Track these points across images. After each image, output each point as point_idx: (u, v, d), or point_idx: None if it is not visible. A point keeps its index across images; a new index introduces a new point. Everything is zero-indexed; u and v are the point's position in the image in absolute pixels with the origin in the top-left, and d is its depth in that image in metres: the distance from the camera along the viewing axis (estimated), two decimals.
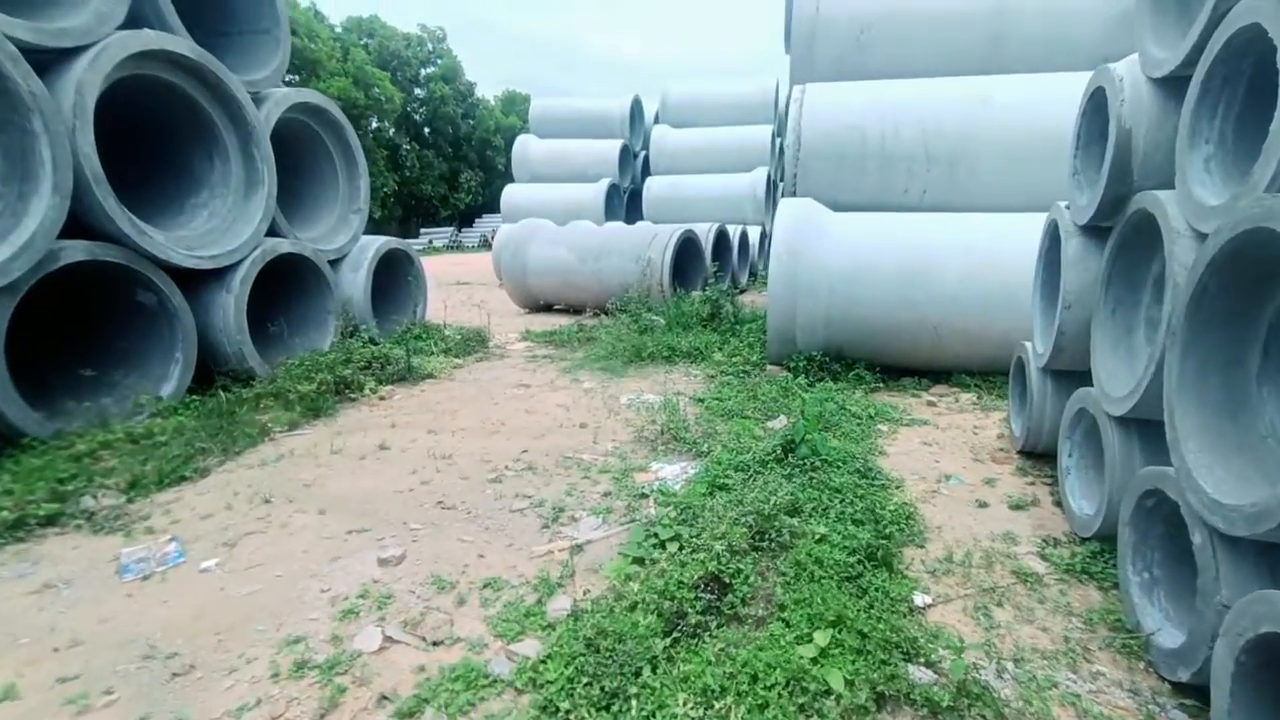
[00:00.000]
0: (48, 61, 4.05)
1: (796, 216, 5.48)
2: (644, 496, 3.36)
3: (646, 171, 20.34)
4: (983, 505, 3.27)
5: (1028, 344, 3.83)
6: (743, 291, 13.71)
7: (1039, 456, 3.79)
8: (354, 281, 6.88)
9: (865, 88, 6.03)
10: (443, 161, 50.78)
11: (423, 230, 47.73)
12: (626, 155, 18.28)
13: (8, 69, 3.54)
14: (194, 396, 4.94)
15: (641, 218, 19.71)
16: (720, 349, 6.76)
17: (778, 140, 18.01)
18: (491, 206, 34.64)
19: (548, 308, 11.01)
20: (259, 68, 5.84)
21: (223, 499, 3.45)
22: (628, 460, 3.92)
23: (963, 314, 5.09)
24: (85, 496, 3.35)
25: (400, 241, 7.56)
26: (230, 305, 5.22)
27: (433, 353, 6.94)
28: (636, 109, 19.00)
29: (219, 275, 5.28)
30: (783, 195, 6.55)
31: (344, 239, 7.02)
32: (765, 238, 16.77)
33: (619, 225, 12.16)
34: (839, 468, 3.42)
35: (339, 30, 43.83)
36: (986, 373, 5.35)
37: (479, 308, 9.03)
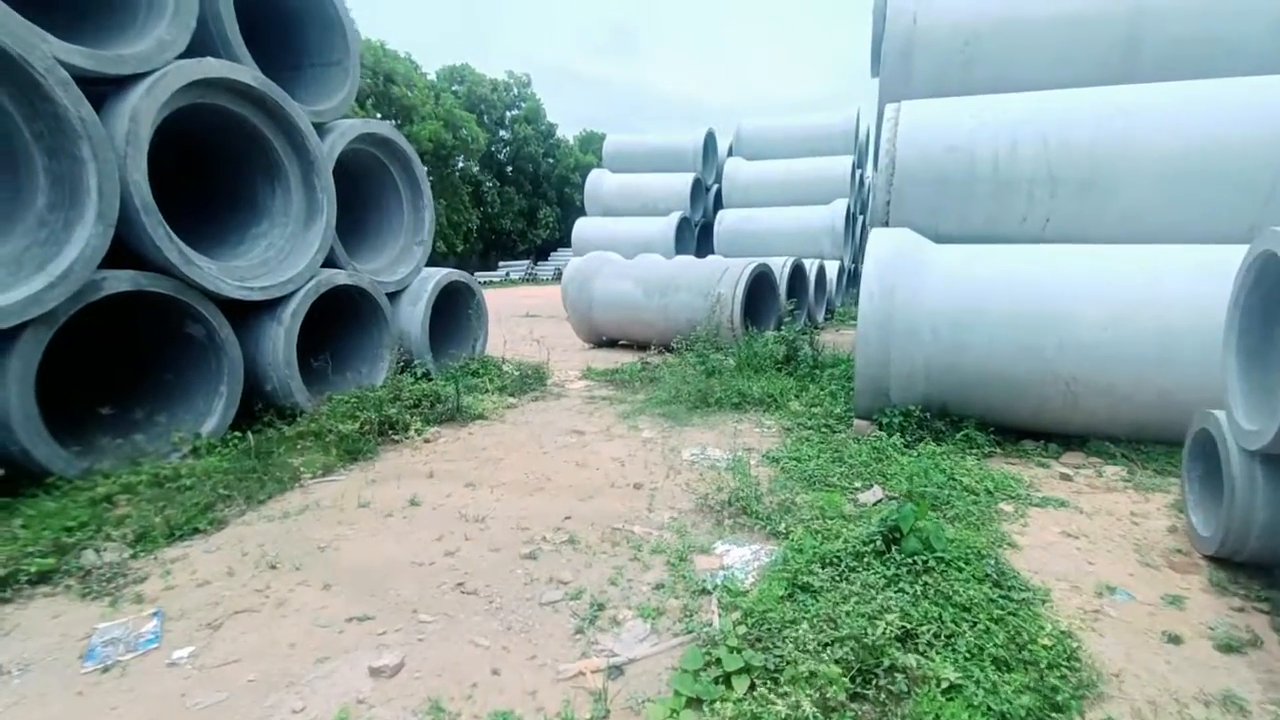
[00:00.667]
0: (106, 89, 4.01)
1: (892, 249, 4.73)
2: (705, 593, 2.69)
3: (718, 205, 19.93)
4: (1174, 640, 2.38)
5: (1217, 414, 2.92)
6: (820, 330, 12.82)
7: (1243, 567, 2.83)
8: (412, 315, 6.66)
9: (973, 103, 5.26)
10: (522, 198, 52.72)
11: (501, 263, 49.43)
12: (698, 188, 17.93)
13: (58, 95, 3.46)
14: (235, 433, 4.73)
15: (712, 251, 19.23)
16: (797, 397, 6.00)
17: (858, 172, 17.15)
18: (567, 241, 35.32)
19: (612, 343, 10.58)
20: (326, 98, 5.79)
21: (227, 561, 3.07)
22: (687, 536, 3.27)
23: (1105, 367, 4.15)
24: (88, 550, 3.05)
25: (462, 274, 7.34)
26: (280, 337, 5.03)
27: (487, 390, 6.58)
28: (710, 143, 18.69)
29: (270, 306, 5.12)
30: (873, 225, 5.81)
31: (406, 270, 6.85)
32: (844, 273, 15.81)
33: (688, 259, 11.66)
34: (961, 570, 2.62)
35: (433, 78, 46.84)
36: (1136, 440, 4.33)
37: (539, 343, 8.68)
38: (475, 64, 51.08)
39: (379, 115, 39.47)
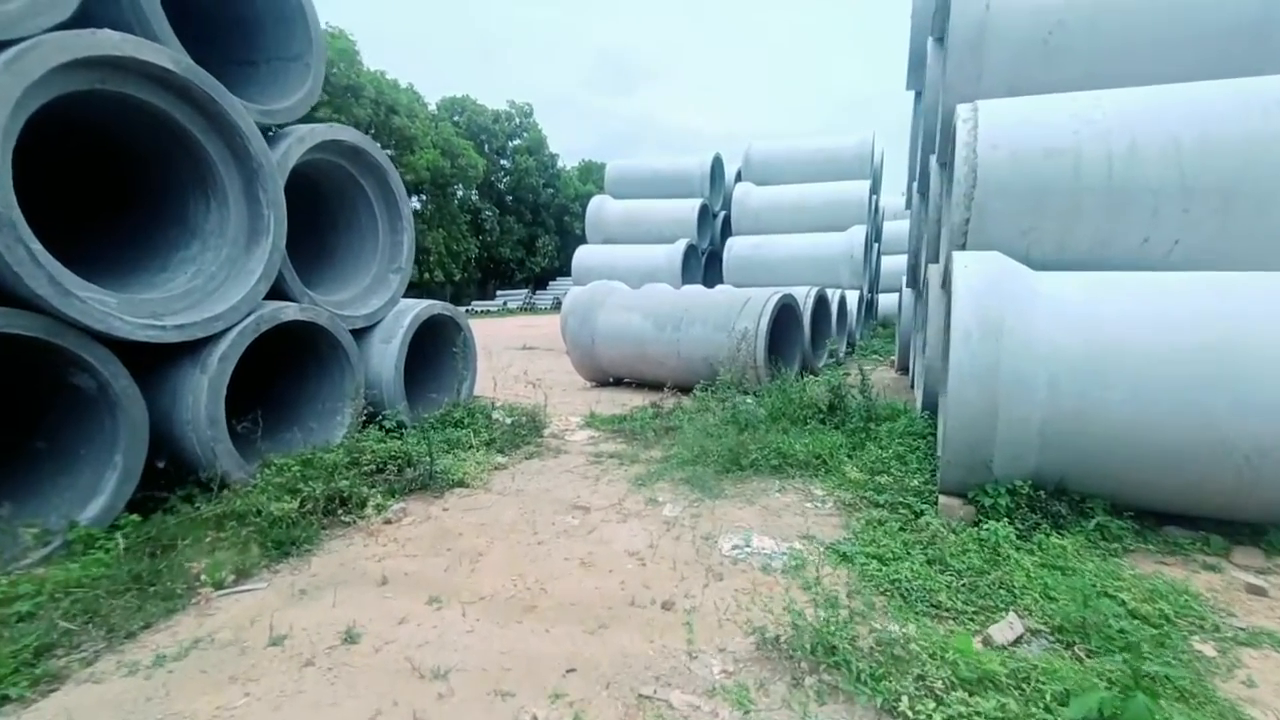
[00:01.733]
0: None
1: (990, 277, 3.68)
2: None
3: (726, 232, 19.08)
4: None
5: None
6: (841, 365, 11.77)
7: None
8: (384, 355, 5.59)
9: (1075, 99, 4.28)
10: (522, 227, 52.32)
11: (499, 292, 48.71)
12: (705, 215, 17.08)
13: None
14: (135, 515, 3.59)
15: (720, 280, 18.31)
16: (850, 456, 4.89)
17: (873, 198, 16.32)
18: (566, 269, 34.60)
19: (617, 382, 9.49)
20: (281, 97, 4.81)
21: None
22: (751, 710, 2.14)
23: None
24: None
25: (446, 306, 6.29)
26: (203, 389, 3.94)
27: (471, 445, 5.46)
28: (717, 168, 17.92)
29: (193, 349, 4.05)
30: (933, 252, 4.79)
31: (378, 302, 5.80)
32: (863, 304, 14.83)
33: (701, 289, 10.67)
34: None
35: (434, 109, 46.79)
36: None
37: (535, 385, 7.59)
38: (476, 96, 51.25)
39: (379, 145, 39.18)
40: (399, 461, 4.62)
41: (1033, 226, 4.18)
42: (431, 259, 45.94)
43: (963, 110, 4.51)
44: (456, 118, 48.66)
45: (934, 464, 4.41)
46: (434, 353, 6.55)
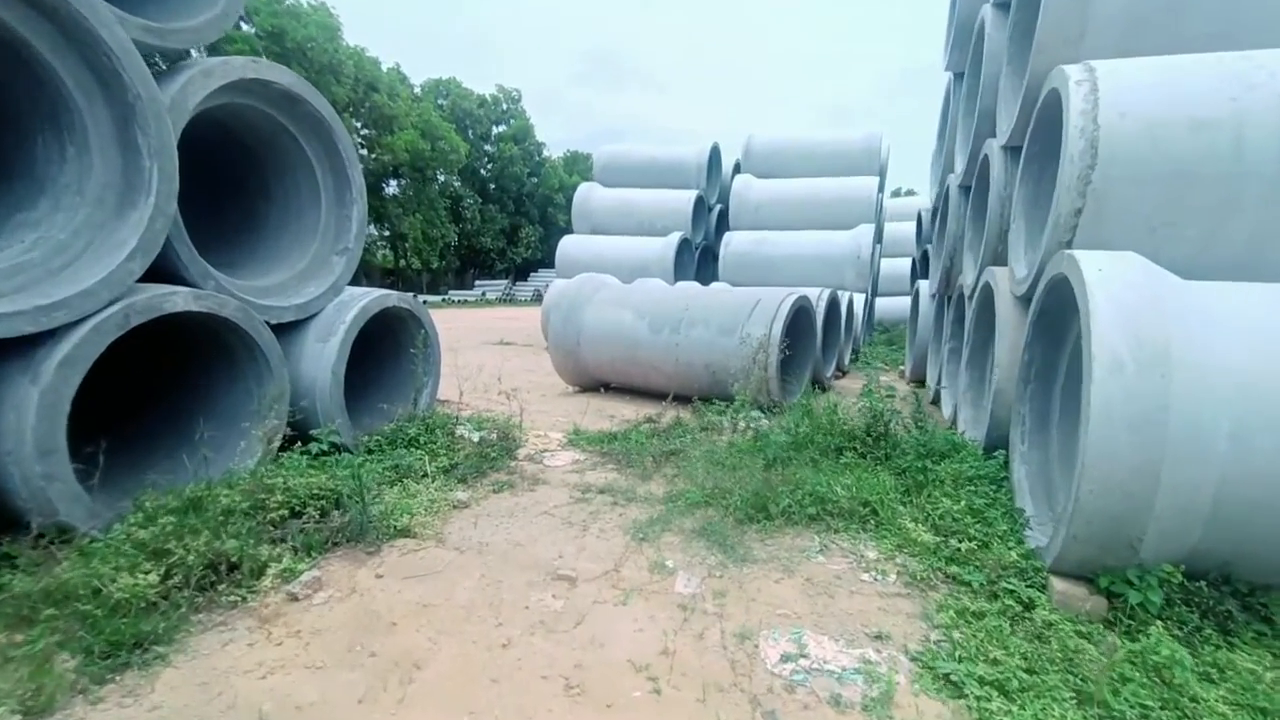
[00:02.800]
0: None
1: (1143, 286, 2.68)
2: None
3: (721, 227, 18.08)
4: None
5: None
6: (844, 375, 10.83)
7: None
8: (320, 356, 4.44)
9: (1225, 59, 3.30)
10: (504, 216, 50.81)
11: (478, 282, 47.21)
12: (701, 207, 16.02)
13: None
14: None
15: (714, 278, 17.32)
16: (905, 502, 3.88)
17: (879, 196, 15.41)
18: (548, 261, 33.38)
19: (605, 388, 8.41)
20: (181, 13, 3.62)
21: None
22: None
23: None
24: None
25: (403, 297, 5.15)
26: (30, 407, 2.77)
27: (425, 473, 4.35)
28: (714, 158, 16.86)
29: (19, 350, 2.88)
30: (1051, 245, 3.84)
31: (315, 290, 4.65)
32: (869, 307, 13.94)
33: (703, 286, 9.63)
34: None
35: (418, 91, 45.01)
36: None
37: (510, 395, 6.45)
38: (465, 79, 49.48)
39: (359, 125, 37.27)
40: (323, 502, 3.49)
41: (1170, 220, 3.20)
42: (408, 245, 44.30)
43: (1073, 72, 3.50)
44: (441, 100, 46.94)
45: (1021, 524, 3.42)
46: (387, 353, 5.41)
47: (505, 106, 53.27)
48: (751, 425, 5.31)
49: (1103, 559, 2.68)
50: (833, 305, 9.22)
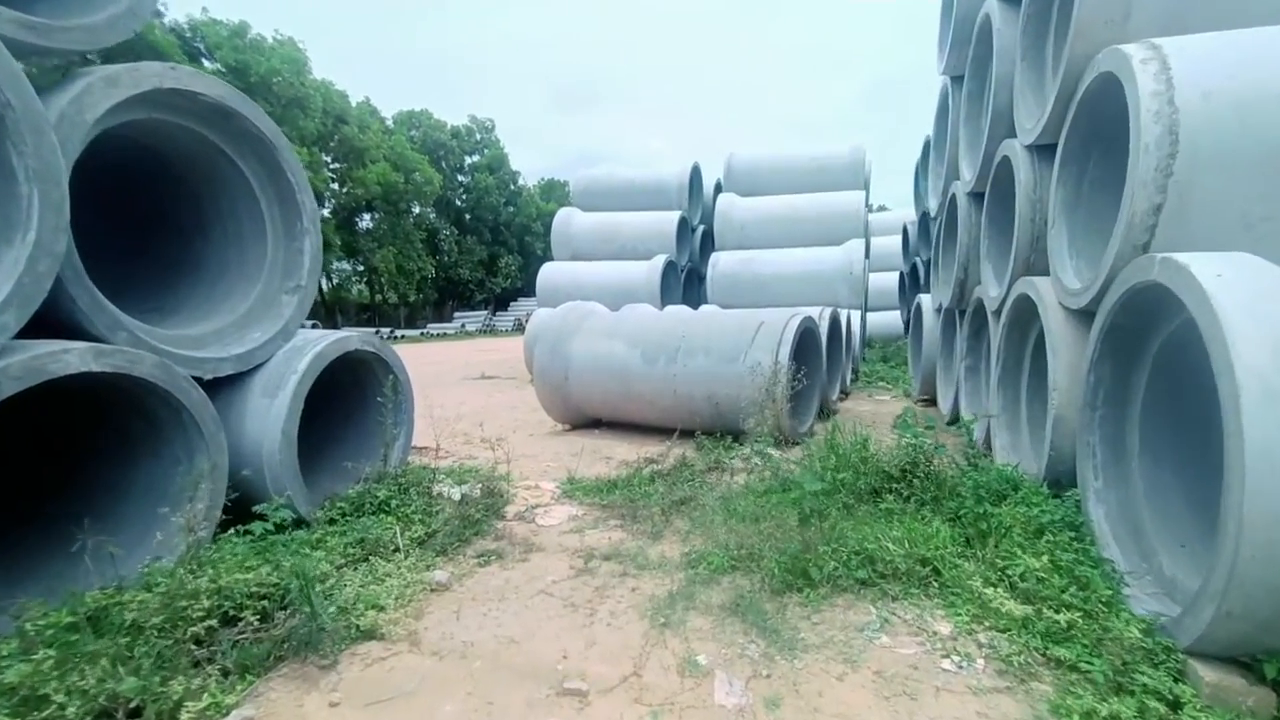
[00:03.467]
0: None
1: (1274, 295, 2.16)
2: None
3: (705, 248, 17.71)
4: None
5: None
6: (847, 396, 10.32)
7: None
8: (267, 415, 3.76)
9: None
10: (482, 247, 50.33)
11: (457, 314, 46.41)
12: (684, 229, 15.60)
13: None
14: None
15: (701, 300, 16.89)
16: (969, 556, 3.29)
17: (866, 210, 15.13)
18: (529, 290, 32.74)
19: (597, 424, 7.78)
20: (80, 11, 3.01)
21: None
22: None
23: None
24: None
25: (367, 339, 4.49)
26: None
27: (396, 549, 3.66)
28: (695, 179, 16.51)
29: None
30: (1123, 249, 3.33)
31: (261, 335, 3.99)
32: (862, 324, 13.53)
33: (700, 311, 9.10)
34: None
35: (390, 124, 44.68)
36: None
37: (493, 445, 5.76)
38: (437, 111, 49.25)
39: (329, 159, 36.60)
40: (265, 602, 2.80)
41: (1269, 214, 2.71)
42: (383, 279, 43.46)
43: (1135, 51, 3.04)
44: (412, 132, 46.61)
45: (1118, 583, 2.84)
46: (351, 404, 4.74)
47: (478, 136, 53.18)
48: (767, 465, 4.71)
49: (1264, 639, 2.11)
50: (834, 324, 8.73)
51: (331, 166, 36.08)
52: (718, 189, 18.34)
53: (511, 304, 49.61)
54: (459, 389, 12.05)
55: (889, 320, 17.53)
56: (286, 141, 4.11)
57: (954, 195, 7.20)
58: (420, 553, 3.69)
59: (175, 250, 4.25)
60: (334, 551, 3.48)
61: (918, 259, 15.84)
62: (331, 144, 34.49)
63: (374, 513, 4.03)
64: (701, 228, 17.10)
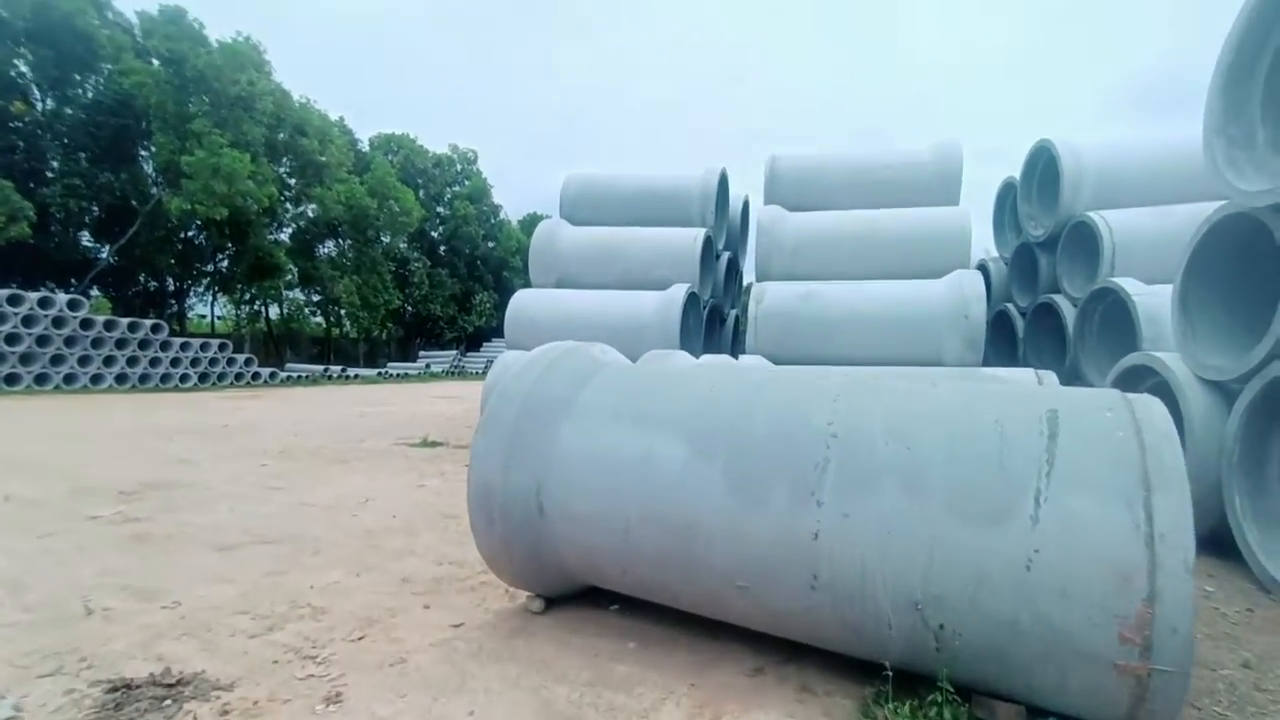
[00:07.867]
0: None
1: None
2: None
3: (730, 279, 13.84)
4: None
5: None
6: None
7: None
8: None
9: None
10: (456, 281, 46.31)
11: (422, 353, 41.94)
12: (709, 252, 11.73)
13: None
14: None
15: (722, 349, 12.88)
16: None
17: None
18: (502, 330, 28.72)
19: (593, 593, 3.55)
20: None
21: None
22: None
23: None
24: None
25: None
26: None
27: None
28: (722, 188, 12.76)
29: None
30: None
31: None
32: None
33: (848, 375, 5.12)
34: None
35: (366, 147, 41.24)
36: None
37: (328, 701, 1.53)
38: (416, 136, 46.01)
39: (285, 173, 32.52)
40: None
41: None
42: (342, 311, 39.03)
43: None
44: (391, 156, 43.10)
45: None
46: None
47: (460, 167, 49.98)
48: None
49: None
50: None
51: (288, 181, 32.10)
52: (745, 208, 14.67)
53: (485, 344, 45.33)
54: (379, 466, 7.73)
55: None
56: None
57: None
58: None
59: None
60: None
61: (1009, 305, 12.16)
62: (285, 157, 30.56)
63: None
64: (726, 254, 13.29)
